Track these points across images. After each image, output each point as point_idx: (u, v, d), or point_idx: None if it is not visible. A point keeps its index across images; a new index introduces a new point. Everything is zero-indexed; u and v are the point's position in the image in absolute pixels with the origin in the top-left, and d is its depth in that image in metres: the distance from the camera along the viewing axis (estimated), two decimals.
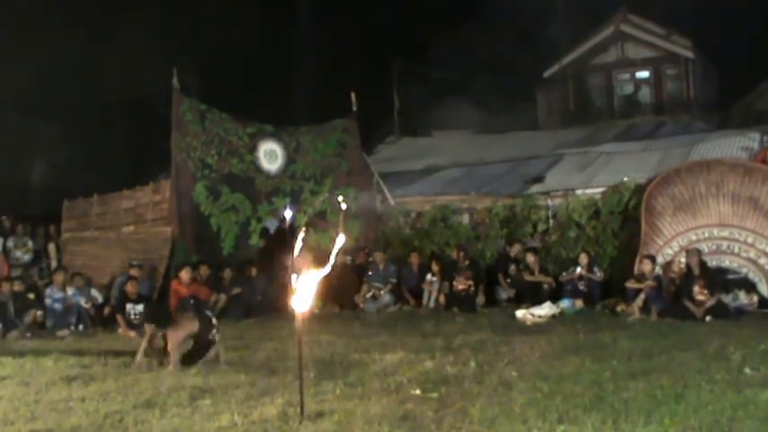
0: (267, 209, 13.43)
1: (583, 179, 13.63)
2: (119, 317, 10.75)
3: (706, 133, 15.50)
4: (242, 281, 12.02)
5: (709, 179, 11.45)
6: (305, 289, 5.53)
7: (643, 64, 20.71)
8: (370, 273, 12.55)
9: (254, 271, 12.19)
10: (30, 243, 14.45)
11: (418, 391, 5.98)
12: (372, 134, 18.63)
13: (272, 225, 13.28)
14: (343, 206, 10.61)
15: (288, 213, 11.81)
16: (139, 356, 7.54)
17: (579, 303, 11.16)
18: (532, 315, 10.25)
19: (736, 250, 11.16)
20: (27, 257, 14.29)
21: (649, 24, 20.47)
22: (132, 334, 10.12)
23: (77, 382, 6.87)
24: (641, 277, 10.69)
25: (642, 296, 10.37)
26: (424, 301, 12.20)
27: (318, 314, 10.79)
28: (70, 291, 11.30)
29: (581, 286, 11.42)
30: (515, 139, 18.34)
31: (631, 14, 20.41)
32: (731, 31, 19.99)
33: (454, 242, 13.01)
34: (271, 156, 13.72)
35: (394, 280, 12.48)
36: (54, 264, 14.08)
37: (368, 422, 5.11)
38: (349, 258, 12.86)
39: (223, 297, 11.69)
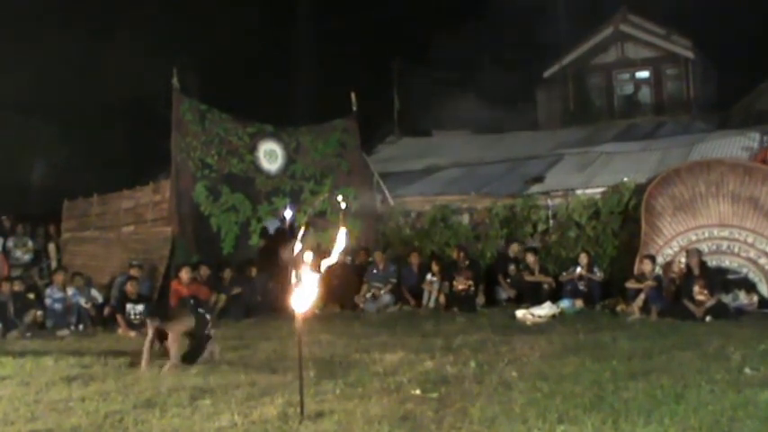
0: (267, 209, 13.41)
1: (583, 179, 13.63)
2: (119, 317, 10.74)
3: (706, 133, 15.47)
4: (242, 281, 12.02)
5: (709, 179, 11.44)
6: (306, 288, 5.53)
7: (643, 64, 20.67)
8: (374, 271, 12.54)
9: (254, 271, 12.20)
10: (30, 243, 14.45)
11: (418, 391, 5.98)
12: (372, 134, 18.60)
13: (272, 225, 13.28)
14: (343, 206, 10.62)
15: (288, 213, 11.83)
16: (146, 355, 7.53)
17: (579, 303, 11.16)
18: (532, 315, 10.25)
19: (736, 250, 11.16)
20: (27, 257, 14.29)
21: (649, 24, 20.43)
22: (132, 334, 10.13)
23: (77, 382, 6.87)
24: (641, 277, 10.69)
25: (642, 296, 10.38)
26: (424, 301, 12.20)
27: (318, 314, 10.79)
28: (70, 291, 11.31)
29: (581, 286, 11.42)
30: (515, 139, 18.33)
31: (631, 14, 20.36)
32: (731, 31, 19.92)
33: (454, 242, 13.02)
34: (271, 156, 13.72)
35: (394, 280, 12.48)
36: (54, 264, 14.08)
37: (368, 422, 5.12)
38: (349, 258, 12.86)
39: (223, 297, 11.70)
